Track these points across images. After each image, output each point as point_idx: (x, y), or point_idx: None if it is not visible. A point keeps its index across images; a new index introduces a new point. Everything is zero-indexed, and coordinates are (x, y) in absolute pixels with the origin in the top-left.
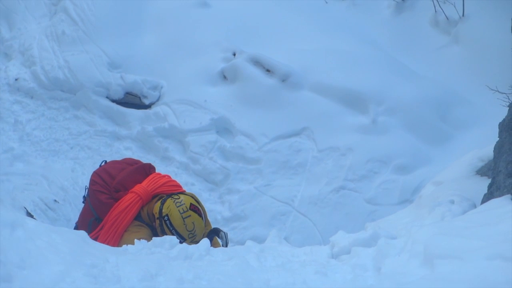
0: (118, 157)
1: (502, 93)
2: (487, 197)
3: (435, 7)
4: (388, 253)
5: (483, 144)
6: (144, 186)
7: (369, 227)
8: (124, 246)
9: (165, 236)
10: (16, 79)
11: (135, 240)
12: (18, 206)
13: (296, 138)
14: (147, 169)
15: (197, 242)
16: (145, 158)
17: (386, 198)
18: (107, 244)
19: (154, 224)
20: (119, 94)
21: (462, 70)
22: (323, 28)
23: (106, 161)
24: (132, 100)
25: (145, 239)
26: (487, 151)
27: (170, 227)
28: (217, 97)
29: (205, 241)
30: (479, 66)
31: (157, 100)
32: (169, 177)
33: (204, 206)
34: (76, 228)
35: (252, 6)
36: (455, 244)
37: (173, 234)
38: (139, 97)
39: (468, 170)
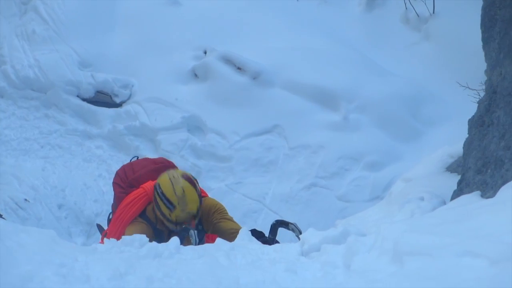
0: (88, 156)
1: (473, 89)
2: (456, 194)
3: (405, 4)
4: (358, 250)
5: (453, 140)
6: (153, 184)
7: (339, 224)
8: (93, 245)
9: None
10: None
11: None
12: None
13: (267, 136)
14: None
15: (190, 214)
16: (116, 157)
17: (357, 195)
18: (112, 237)
19: (158, 223)
20: (90, 93)
21: (433, 67)
22: (294, 26)
23: (137, 157)
24: (103, 99)
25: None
26: (457, 147)
27: (160, 195)
28: (188, 95)
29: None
30: (450, 62)
31: (128, 98)
32: None
33: None
34: (108, 222)
35: (223, 4)
36: (424, 241)
37: (164, 204)
38: (110, 96)
39: (438, 167)
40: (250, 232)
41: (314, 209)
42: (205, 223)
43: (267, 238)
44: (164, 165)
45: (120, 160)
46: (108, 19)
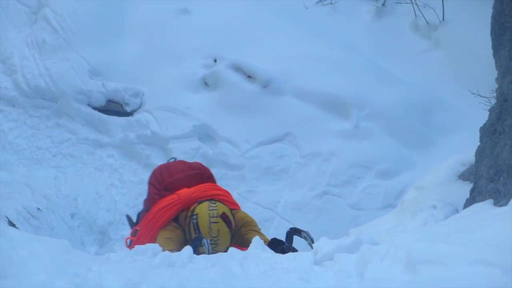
0: (100, 165)
1: (484, 97)
2: (469, 202)
3: (415, 11)
4: (371, 259)
5: (465, 148)
6: (189, 192)
7: (352, 233)
8: (107, 254)
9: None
10: None
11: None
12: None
13: (278, 144)
14: (205, 178)
15: (217, 251)
16: (127, 166)
17: (369, 203)
18: (143, 239)
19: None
20: (101, 102)
21: (443, 74)
22: (304, 33)
23: (175, 158)
24: (114, 108)
25: (171, 239)
26: (469, 155)
27: (195, 226)
28: (199, 103)
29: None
30: (460, 70)
31: (139, 107)
32: (227, 192)
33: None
34: (138, 216)
35: (233, 12)
36: (437, 250)
37: (196, 235)
38: (121, 105)
39: (450, 175)
40: (271, 241)
41: (327, 217)
42: (233, 235)
43: (285, 246)
44: (201, 172)
45: (132, 169)
46: (118, 27)
